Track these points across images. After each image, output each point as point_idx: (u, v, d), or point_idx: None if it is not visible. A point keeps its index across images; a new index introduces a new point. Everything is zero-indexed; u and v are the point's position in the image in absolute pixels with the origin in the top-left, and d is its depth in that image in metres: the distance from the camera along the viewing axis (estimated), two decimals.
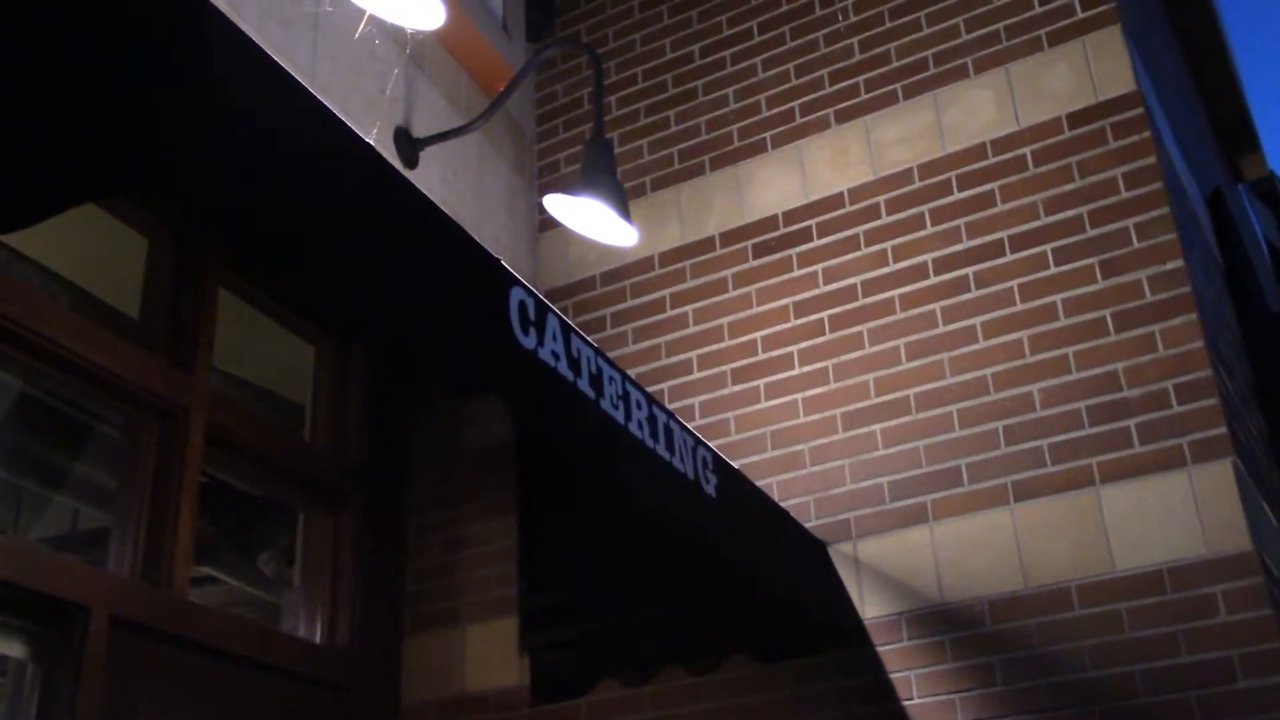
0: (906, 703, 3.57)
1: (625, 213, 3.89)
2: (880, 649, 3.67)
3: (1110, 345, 3.68)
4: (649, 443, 2.93)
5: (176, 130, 1.82)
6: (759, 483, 3.81)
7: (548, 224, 4.74)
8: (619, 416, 2.83)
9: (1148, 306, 3.67)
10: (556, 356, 2.64)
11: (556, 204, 3.94)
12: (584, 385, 2.71)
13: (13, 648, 3.21)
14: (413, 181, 2.40)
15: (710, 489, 3.21)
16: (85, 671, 3.19)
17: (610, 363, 2.88)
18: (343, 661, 4.16)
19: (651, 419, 2.98)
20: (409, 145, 4.17)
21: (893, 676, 3.63)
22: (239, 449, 4.03)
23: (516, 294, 2.56)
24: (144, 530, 3.61)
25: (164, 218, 3.87)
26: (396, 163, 4.06)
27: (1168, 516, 3.44)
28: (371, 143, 2.28)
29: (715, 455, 3.30)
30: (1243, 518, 3.37)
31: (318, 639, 4.18)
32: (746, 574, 3.68)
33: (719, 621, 3.91)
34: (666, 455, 3.01)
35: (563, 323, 2.71)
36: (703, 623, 3.93)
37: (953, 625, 3.60)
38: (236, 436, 3.97)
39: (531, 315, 2.59)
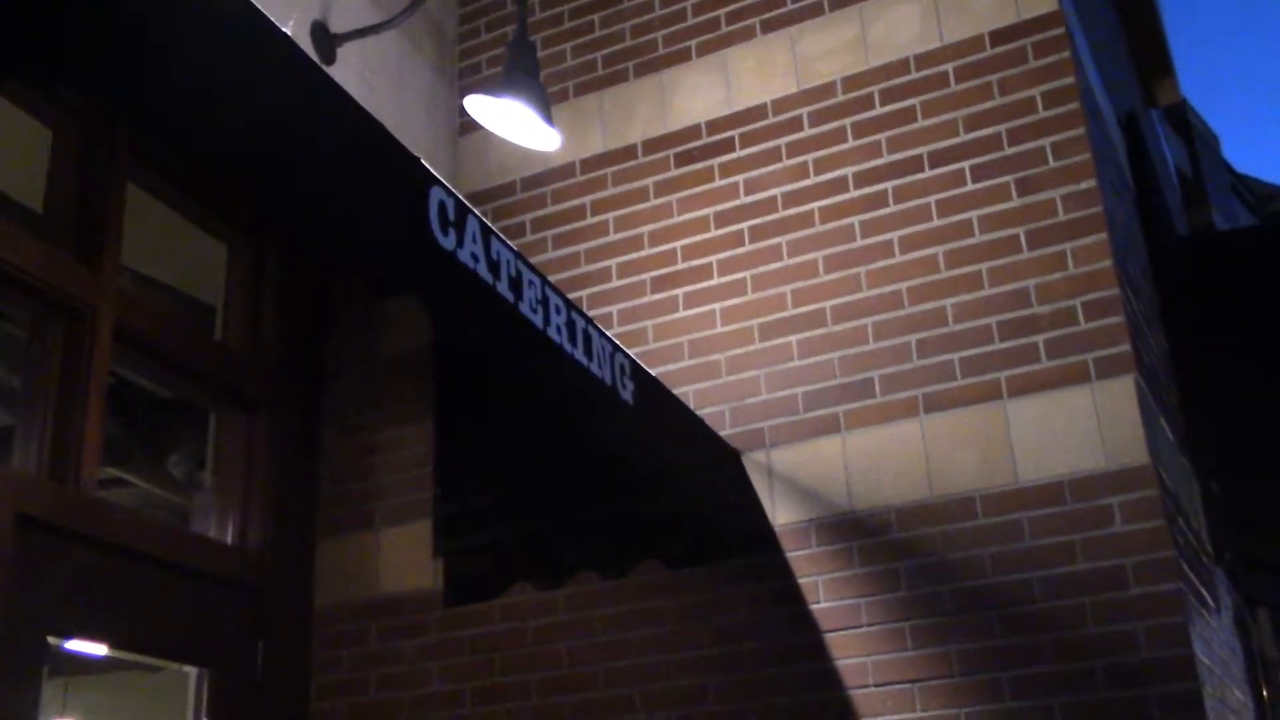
0: (814, 606, 3.66)
1: (548, 116, 3.85)
2: (790, 555, 3.75)
3: (1022, 262, 3.74)
4: (567, 347, 2.93)
5: (85, 17, 1.75)
6: (675, 391, 3.84)
7: (468, 127, 4.68)
8: (537, 320, 2.82)
9: (1060, 225, 3.73)
10: (476, 259, 2.62)
11: (478, 105, 3.88)
12: (503, 288, 2.70)
13: None
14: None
15: (627, 395, 3.23)
16: None
17: (530, 266, 2.86)
18: (255, 563, 4.14)
19: (570, 324, 2.98)
20: (326, 40, 4.07)
21: (801, 581, 3.71)
22: (149, 348, 3.95)
23: (436, 194, 2.53)
24: (50, 429, 3.54)
25: (69, 108, 3.75)
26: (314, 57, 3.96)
27: (1070, 430, 3.54)
28: (288, 33, 2.22)
29: (633, 361, 3.32)
30: (1142, 433, 3.48)
31: (229, 540, 4.16)
32: (661, 481, 3.73)
33: (632, 527, 3.96)
34: (584, 360, 3.02)
35: (483, 225, 2.68)
36: (616, 528, 3.98)
37: (860, 532, 3.68)
38: (146, 335, 3.89)
39: (451, 216, 2.56)
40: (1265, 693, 5.23)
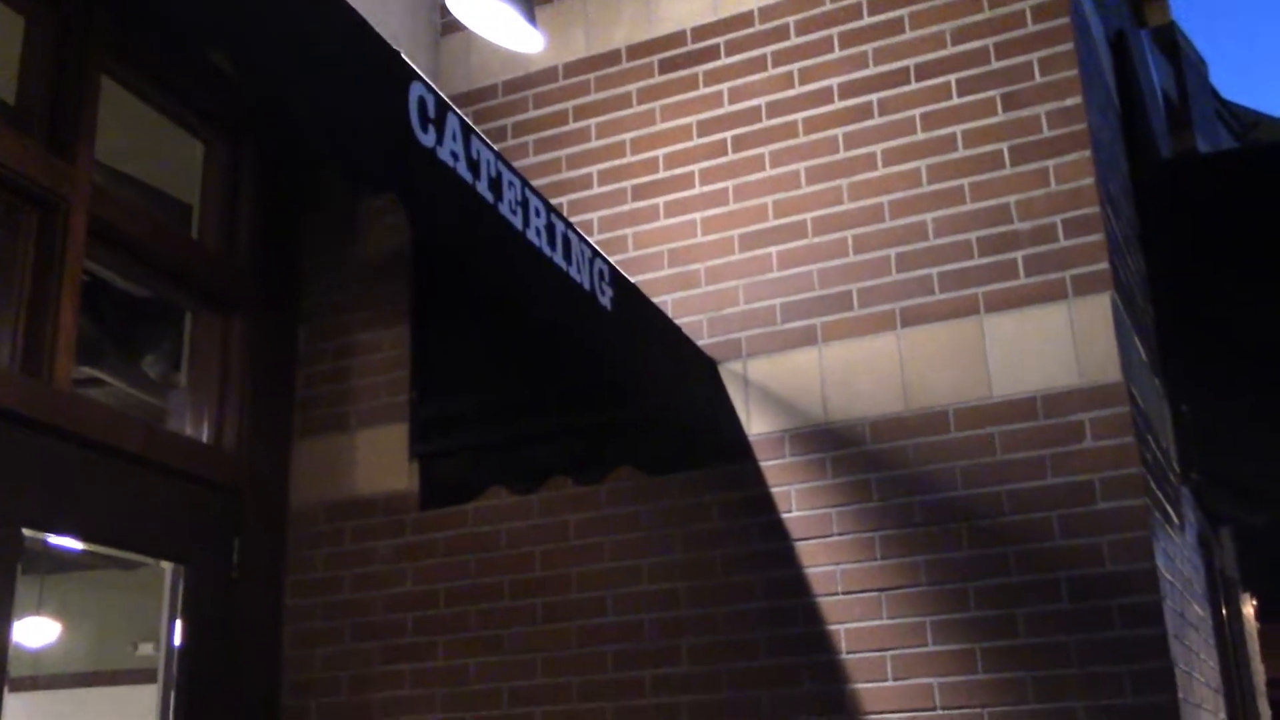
0: (786, 515, 3.70)
1: (531, 17, 3.79)
2: (764, 464, 3.78)
3: (1005, 178, 3.73)
4: (546, 250, 2.92)
5: None
6: (654, 300, 3.84)
7: (450, 28, 4.61)
8: (517, 222, 2.81)
9: (1044, 142, 3.72)
10: (455, 157, 2.60)
11: (460, 4, 3.81)
12: (483, 188, 2.68)
13: None
14: None
15: (606, 301, 3.23)
16: None
17: (510, 167, 2.84)
18: (230, 462, 4.16)
19: (550, 227, 2.97)
20: None
21: (774, 491, 3.74)
22: (123, 244, 3.92)
23: (416, 89, 2.50)
24: (23, 322, 3.51)
25: None
26: None
27: (1045, 347, 3.56)
28: None
29: (612, 268, 3.31)
30: (1115, 350, 3.50)
31: (205, 439, 4.17)
32: (637, 388, 3.74)
33: (607, 434, 3.99)
34: (563, 264, 3.01)
35: (463, 123, 2.65)
36: (591, 435, 4.01)
37: (834, 444, 3.71)
38: (121, 231, 3.85)
39: (431, 113, 2.53)
40: (1224, 610, 5.34)
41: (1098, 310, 3.54)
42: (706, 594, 3.72)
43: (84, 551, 8.08)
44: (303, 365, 4.50)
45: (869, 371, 3.73)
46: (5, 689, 3.25)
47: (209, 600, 3.97)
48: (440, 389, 4.26)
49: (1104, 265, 3.57)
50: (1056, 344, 3.55)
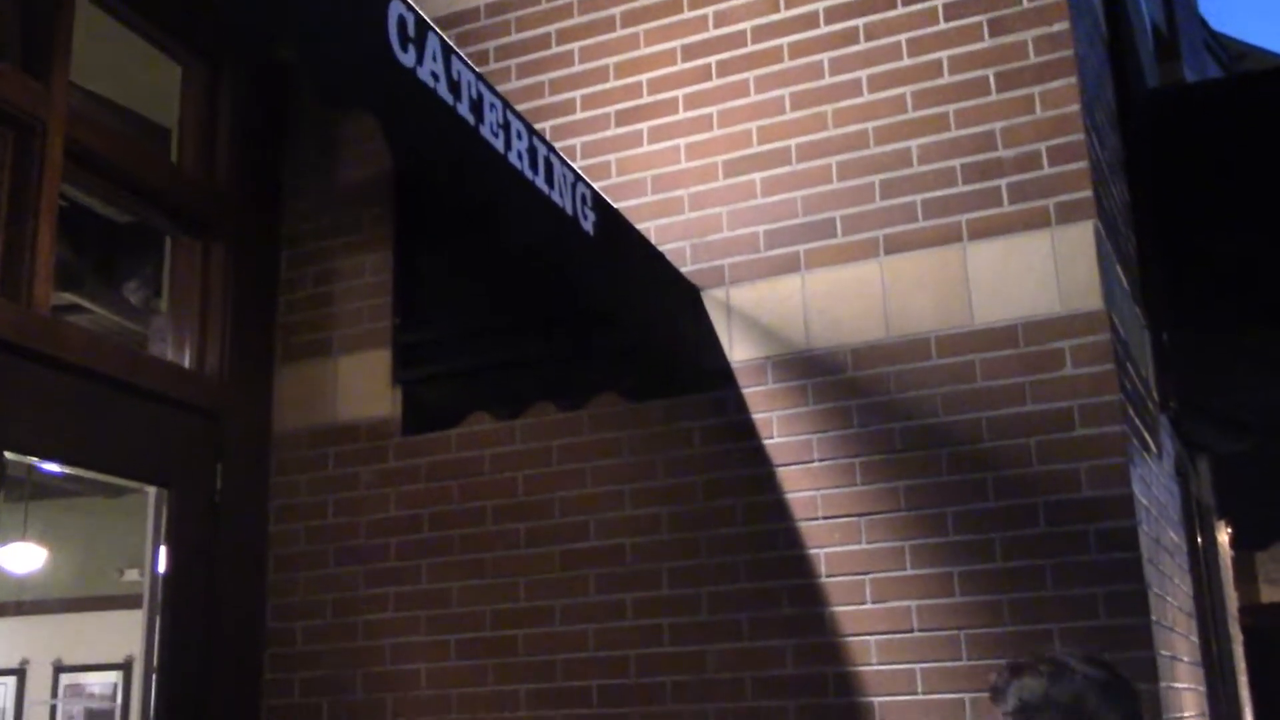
0: (767, 441, 3.72)
1: None
2: (745, 391, 3.79)
3: (990, 105, 3.71)
4: (528, 174, 2.91)
5: None
6: (637, 226, 3.82)
7: None
8: (498, 144, 2.79)
9: (1030, 68, 3.69)
10: (436, 77, 2.57)
11: None
12: (464, 110, 2.66)
13: None
14: None
15: (588, 226, 3.21)
16: None
17: (492, 89, 2.81)
18: (212, 387, 4.15)
19: (532, 150, 2.95)
20: None
21: (755, 417, 3.76)
22: (101, 167, 3.88)
23: (395, 8, 2.46)
24: (1, 246, 3.49)
25: None
26: None
27: (1028, 274, 3.56)
28: None
29: (594, 192, 3.29)
30: (1097, 279, 3.51)
31: (186, 364, 4.16)
32: (619, 314, 3.74)
33: (590, 361, 4.00)
34: (545, 188, 3.00)
35: (443, 43, 2.62)
36: (574, 361, 4.01)
37: (816, 371, 3.73)
38: (99, 154, 3.82)
39: (411, 32, 2.50)
40: (1199, 537, 5.41)
41: (1080, 238, 3.54)
42: (688, 519, 3.75)
43: (68, 478, 8.10)
44: (284, 291, 4.48)
45: (851, 299, 3.73)
46: None
47: (193, 525, 3.99)
48: (423, 315, 4.26)
49: (1087, 193, 3.57)
50: (1039, 272, 3.56)
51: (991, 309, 3.58)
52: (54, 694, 8.67)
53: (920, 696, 3.40)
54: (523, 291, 4.08)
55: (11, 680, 8.67)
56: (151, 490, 4.05)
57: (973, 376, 3.56)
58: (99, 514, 8.85)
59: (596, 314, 3.88)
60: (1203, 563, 5.46)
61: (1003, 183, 3.64)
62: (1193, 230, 5.19)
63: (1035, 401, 3.48)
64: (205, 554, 4.01)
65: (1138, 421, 3.81)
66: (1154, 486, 4.05)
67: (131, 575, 8.38)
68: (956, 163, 3.70)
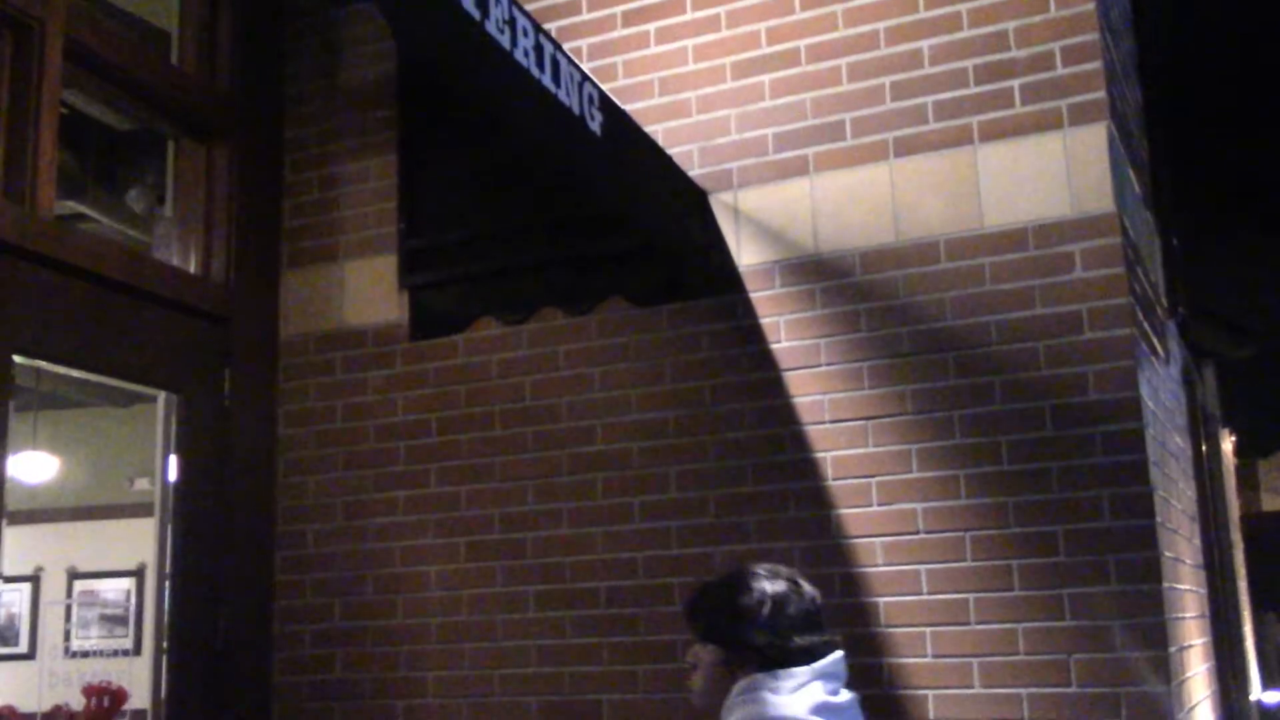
0: (775, 345, 3.72)
1: None
2: (753, 295, 3.78)
3: (1003, 3, 3.64)
4: (534, 71, 2.87)
5: None
6: (645, 129, 3.78)
7: None
8: (504, 41, 2.74)
9: None
10: None
11: None
12: (469, 5, 2.61)
13: None
14: None
15: (595, 126, 3.18)
16: None
17: None
18: (219, 292, 4.15)
19: (538, 48, 2.90)
20: None
21: (763, 321, 3.75)
22: (102, 69, 3.84)
23: None
24: (1, 149, 3.46)
25: None
26: None
27: (1039, 177, 3.53)
28: None
29: (601, 92, 3.25)
30: (1109, 181, 3.47)
31: (192, 269, 4.15)
32: (626, 218, 3.72)
33: (597, 266, 3.98)
34: (552, 87, 2.96)
35: None
36: (581, 265, 4.00)
37: (824, 275, 3.71)
38: (99, 55, 3.77)
39: None
40: (1204, 444, 5.43)
41: (1093, 140, 3.50)
42: (695, 423, 3.76)
43: (76, 389, 8.14)
44: (289, 195, 4.45)
45: (860, 202, 3.70)
46: (4, 521, 3.30)
47: (203, 430, 4.01)
48: (429, 220, 4.23)
49: (1101, 94, 3.52)
50: (1050, 174, 3.52)
51: (1001, 212, 3.55)
52: (68, 596, 8.80)
53: (925, 596, 3.43)
54: (529, 196, 4.05)
55: (27, 587, 8.79)
56: (160, 398, 4.06)
57: (982, 280, 3.54)
58: (107, 424, 8.90)
59: (603, 218, 3.87)
60: (1206, 470, 5.49)
61: (1015, 84, 3.59)
62: (1205, 135, 5.14)
63: (1044, 305, 3.46)
64: (215, 459, 4.03)
65: (1146, 326, 3.80)
66: (1161, 391, 4.06)
67: (141, 485, 8.44)
68: (968, 63, 3.65)
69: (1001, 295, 3.51)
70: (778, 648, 2.23)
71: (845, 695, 2.26)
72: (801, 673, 2.21)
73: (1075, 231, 3.47)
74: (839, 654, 2.29)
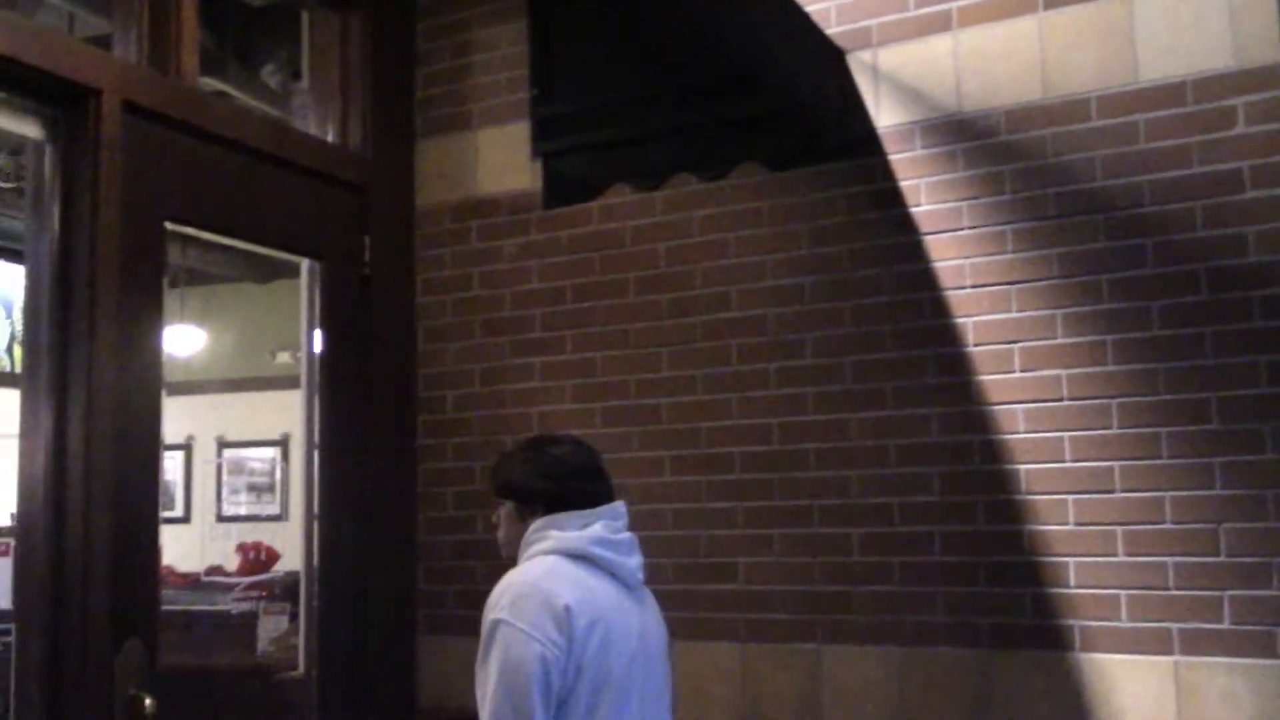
0: (914, 209, 3.63)
1: None
2: (892, 157, 3.68)
3: None
4: None
5: None
6: None
7: None
8: None
9: None
10: None
11: None
12: None
13: (28, 128, 3.22)
14: None
15: None
16: (103, 155, 3.22)
17: None
18: (356, 161, 4.19)
19: None
20: None
21: (903, 184, 3.66)
22: None
23: None
24: (146, 19, 3.51)
25: None
26: None
27: (1199, 26, 3.34)
28: None
29: None
30: (1275, 30, 3.26)
31: (330, 139, 4.20)
32: (761, 79, 3.64)
33: (732, 130, 3.91)
34: None
35: None
36: (715, 130, 3.93)
37: (967, 135, 3.59)
38: None
39: None
40: None
41: None
42: (831, 288, 3.71)
43: (219, 264, 8.39)
44: (422, 64, 4.46)
45: (1006, 58, 3.56)
46: (164, 392, 3.42)
47: (345, 298, 4.09)
48: (561, 86, 4.20)
49: None
50: (1211, 23, 3.33)
51: (1158, 65, 3.38)
52: (218, 456, 9.19)
53: (1069, 464, 3.37)
54: (662, 60, 3.99)
55: (180, 454, 9.21)
56: (303, 266, 4.14)
57: (1135, 138, 3.39)
58: (248, 300, 9.18)
59: (738, 81, 3.79)
60: None
61: None
62: None
63: (1202, 163, 3.30)
64: (358, 327, 4.12)
65: None
66: None
67: (282, 358, 8.71)
68: None
69: (1156, 153, 3.36)
70: (559, 493, 2.62)
71: (626, 535, 2.65)
72: (584, 514, 2.59)
73: (1238, 85, 3.29)
74: (619, 502, 2.68)
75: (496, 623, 2.42)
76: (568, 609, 2.41)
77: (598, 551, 2.56)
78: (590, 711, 2.42)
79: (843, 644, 3.59)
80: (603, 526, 2.59)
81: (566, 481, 2.63)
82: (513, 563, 2.63)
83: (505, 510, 2.70)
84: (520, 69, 4.26)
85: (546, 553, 2.55)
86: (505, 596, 2.45)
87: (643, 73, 4.05)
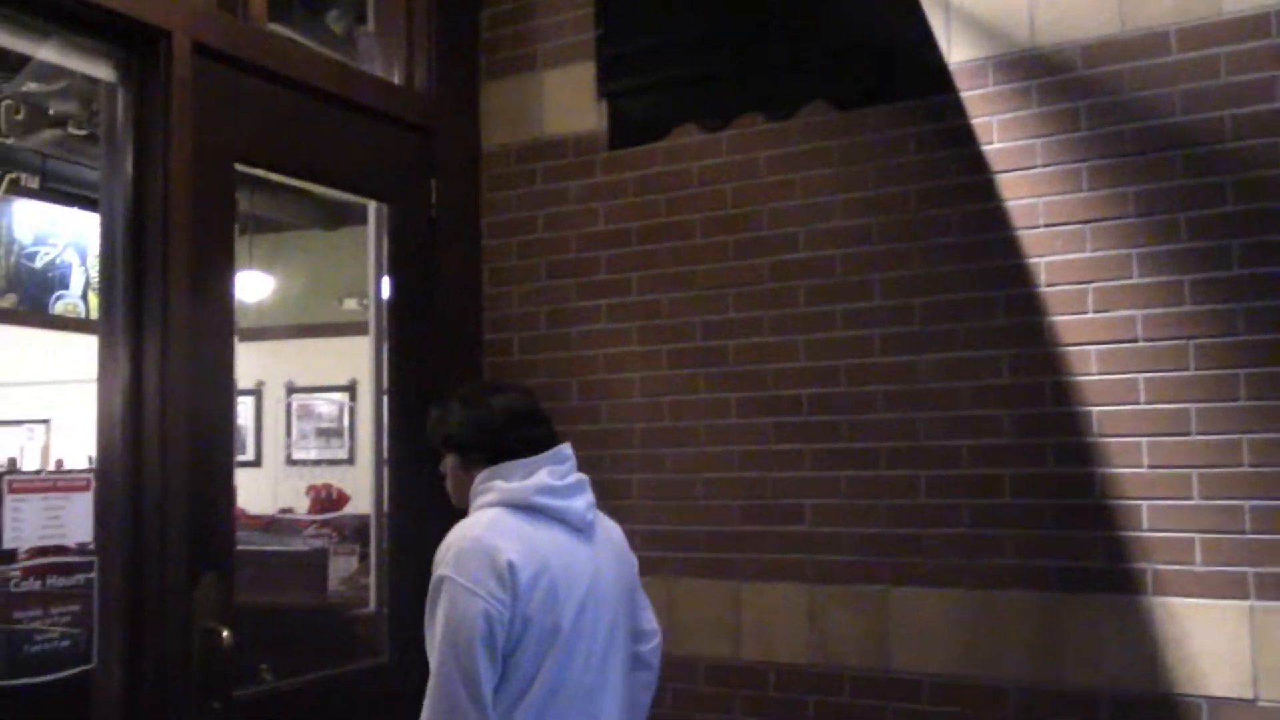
0: (986, 147, 3.57)
1: None
2: (964, 94, 3.61)
3: None
4: None
5: None
6: None
7: None
8: None
9: None
10: None
11: None
12: None
13: (100, 70, 3.25)
14: None
15: None
16: (175, 97, 3.24)
17: None
18: (422, 103, 4.19)
19: None
20: None
21: (974, 122, 3.60)
22: None
23: None
24: None
25: None
26: None
27: None
28: None
29: None
30: None
31: (396, 81, 4.20)
32: (830, 17, 3.59)
33: (799, 68, 3.86)
34: None
35: None
36: (783, 69, 3.88)
37: (1041, 70, 3.51)
38: None
39: None
40: None
41: None
42: (900, 229, 3.67)
43: (287, 209, 8.45)
44: (487, 5, 4.44)
45: None
46: (236, 337, 3.46)
47: (412, 238, 4.11)
48: (626, 26, 4.16)
49: None
50: None
51: None
52: (287, 401, 9.32)
53: (1142, 406, 3.31)
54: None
55: (250, 400, 9.34)
56: (371, 209, 4.16)
57: (1217, 72, 3.30)
58: (315, 247, 9.23)
59: (805, 18, 3.74)
60: None
61: None
62: None
63: None
64: (425, 270, 4.13)
65: None
66: None
67: (350, 304, 8.77)
68: None
69: (1238, 87, 3.27)
70: (500, 444, 2.61)
71: (573, 477, 2.64)
72: (527, 462, 2.58)
73: None
74: (564, 445, 2.67)
75: (441, 579, 2.43)
76: (510, 564, 2.40)
77: (542, 500, 2.54)
78: (536, 663, 2.42)
79: (911, 586, 3.58)
80: (547, 473, 2.58)
81: (506, 431, 2.62)
82: (464, 513, 2.63)
83: (450, 463, 2.71)
84: (585, 8, 4.23)
85: (491, 505, 2.55)
86: (450, 552, 2.45)
87: (709, 11, 4.00)
